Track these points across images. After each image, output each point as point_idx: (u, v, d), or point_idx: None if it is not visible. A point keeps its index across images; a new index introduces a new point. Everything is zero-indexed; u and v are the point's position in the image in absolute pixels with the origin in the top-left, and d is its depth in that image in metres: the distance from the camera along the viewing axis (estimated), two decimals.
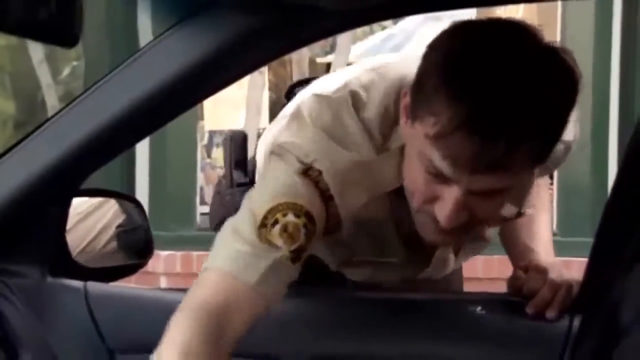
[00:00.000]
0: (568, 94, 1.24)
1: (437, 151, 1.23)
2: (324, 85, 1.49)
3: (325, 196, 1.32)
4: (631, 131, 1.36)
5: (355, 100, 1.39)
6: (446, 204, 1.27)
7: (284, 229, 1.27)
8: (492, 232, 1.67)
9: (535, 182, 1.70)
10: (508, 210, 1.44)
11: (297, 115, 1.40)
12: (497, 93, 1.18)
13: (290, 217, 1.28)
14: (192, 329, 1.20)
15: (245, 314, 1.25)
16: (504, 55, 1.20)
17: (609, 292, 1.35)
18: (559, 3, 3.99)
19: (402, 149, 1.37)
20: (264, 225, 1.28)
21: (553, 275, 1.51)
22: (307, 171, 1.32)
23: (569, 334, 1.45)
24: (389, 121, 1.39)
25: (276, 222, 1.28)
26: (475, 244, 1.67)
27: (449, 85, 1.20)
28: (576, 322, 1.46)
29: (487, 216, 1.33)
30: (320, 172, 1.32)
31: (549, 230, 1.72)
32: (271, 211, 1.28)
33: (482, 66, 1.19)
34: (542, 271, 1.53)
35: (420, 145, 1.26)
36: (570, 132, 1.57)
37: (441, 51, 1.24)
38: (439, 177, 1.26)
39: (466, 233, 1.36)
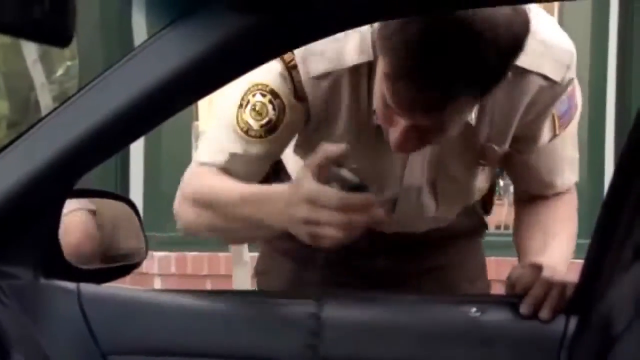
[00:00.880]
0: (506, 45, 1.34)
1: (387, 90, 1.39)
2: None
3: (289, 66, 1.52)
4: (627, 131, 1.36)
5: None
6: (396, 131, 1.44)
7: (253, 107, 1.54)
8: (468, 176, 1.69)
9: (560, 216, 1.68)
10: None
11: None
12: (430, 50, 1.31)
13: (258, 97, 1.54)
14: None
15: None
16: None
17: (605, 293, 1.35)
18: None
19: (368, 29, 1.50)
20: (241, 106, 1.55)
21: (546, 273, 1.51)
22: None
23: (565, 335, 1.44)
24: None
25: (248, 102, 1.55)
26: (453, 185, 1.68)
27: (398, 36, 1.33)
28: (572, 323, 1.45)
29: (437, 139, 1.48)
30: None
31: (565, 254, 1.68)
32: (245, 94, 1.55)
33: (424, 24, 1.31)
34: (536, 268, 1.53)
35: (380, 76, 1.42)
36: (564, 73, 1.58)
37: None
38: (391, 109, 1.42)
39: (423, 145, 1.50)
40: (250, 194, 1.48)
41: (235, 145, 1.57)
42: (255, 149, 1.57)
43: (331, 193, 1.33)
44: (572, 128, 1.71)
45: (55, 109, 1.42)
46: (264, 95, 1.54)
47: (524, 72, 1.55)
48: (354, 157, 1.59)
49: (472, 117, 1.58)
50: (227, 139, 1.58)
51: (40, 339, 1.45)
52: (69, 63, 5.75)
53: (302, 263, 1.79)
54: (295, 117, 1.57)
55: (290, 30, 1.30)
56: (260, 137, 1.56)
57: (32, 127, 1.42)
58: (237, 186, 1.52)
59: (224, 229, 1.55)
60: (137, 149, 4.33)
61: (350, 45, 1.52)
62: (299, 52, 1.51)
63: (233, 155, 1.58)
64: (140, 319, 1.49)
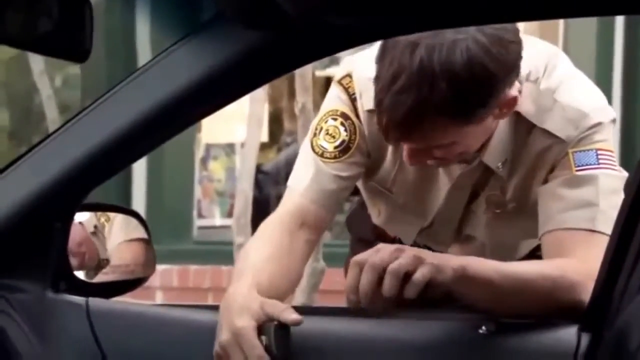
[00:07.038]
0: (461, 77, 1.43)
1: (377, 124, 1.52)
2: None
3: (352, 98, 1.64)
4: (633, 157, 1.35)
5: None
6: (404, 150, 1.55)
7: (327, 132, 1.64)
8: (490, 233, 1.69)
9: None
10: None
11: None
12: (392, 86, 1.43)
13: (330, 122, 1.65)
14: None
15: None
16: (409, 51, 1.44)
17: (619, 309, 1.34)
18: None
19: None
20: (315, 134, 1.65)
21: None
22: (342, 79, 1.65)
23: (578, 351, 1.43)
24: None
25: (321, 129, 1.65)
26: (491, 200, 1.66)
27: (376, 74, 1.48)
28: (584, 339, 1.44)
29: (446, 158, 1.55)
30: (351, 78, 1.64)
31: (525, 269, 1.53)
32: (318, 123, 1.66)
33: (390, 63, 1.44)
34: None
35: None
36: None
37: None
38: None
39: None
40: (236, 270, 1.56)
41: (312, 170, 1.64)
42: (331, 169, 1.63)
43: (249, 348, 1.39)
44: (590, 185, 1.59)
45: (64, 123, 1.42)
46: (335, 119, 1.64)
47: (530, 125, 1.59)
48: (398, 191, 1.69)
49: (501, 169, 1.62)
50: (304, 165, 1.65)
51: (47, 353, 1.44)
52: (69, 72, 5.75)
53: None
54: (362, 142, 1.65)
55: (302, 46, 1.30)
56: (335, 157, 1.63)
57: (41, 141, 1.42)
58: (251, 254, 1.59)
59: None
60: (139, 161, 4.32)
61: None
62: (357, 87, 1.63)
63: (311, 180, 1.63)
64: (148, 334, 1.48)
